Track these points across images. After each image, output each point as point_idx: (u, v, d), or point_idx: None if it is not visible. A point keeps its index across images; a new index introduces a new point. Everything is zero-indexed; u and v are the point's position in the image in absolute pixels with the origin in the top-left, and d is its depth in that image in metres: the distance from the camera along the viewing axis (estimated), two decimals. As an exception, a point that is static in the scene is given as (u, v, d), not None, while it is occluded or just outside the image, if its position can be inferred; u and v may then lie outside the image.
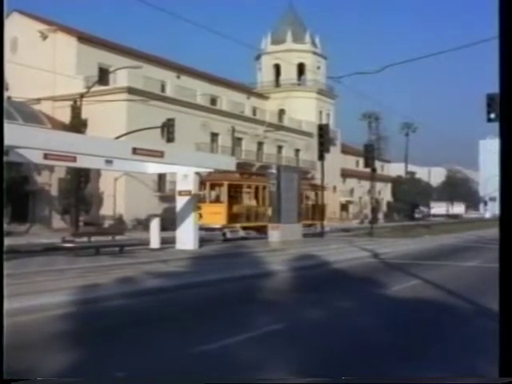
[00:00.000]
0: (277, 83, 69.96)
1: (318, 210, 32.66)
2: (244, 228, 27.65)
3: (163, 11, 79.38)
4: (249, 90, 66.97)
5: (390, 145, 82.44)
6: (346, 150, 76.22)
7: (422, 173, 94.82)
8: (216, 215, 26.03)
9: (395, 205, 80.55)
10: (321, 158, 30.12)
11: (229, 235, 26.16)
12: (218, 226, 26.09)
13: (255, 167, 53.58)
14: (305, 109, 65.48)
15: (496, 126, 18.01)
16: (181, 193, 21.17)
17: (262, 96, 67.95)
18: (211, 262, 16.18)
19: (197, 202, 21.78)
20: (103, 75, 43.19)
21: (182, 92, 48.86)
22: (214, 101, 54.43)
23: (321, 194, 32.77)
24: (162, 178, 42.16)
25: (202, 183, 25.94)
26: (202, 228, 23.39)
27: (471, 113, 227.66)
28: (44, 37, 46.61)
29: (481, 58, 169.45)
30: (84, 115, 35.33)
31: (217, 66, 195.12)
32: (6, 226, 25.02)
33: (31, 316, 8.44)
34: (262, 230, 27.25)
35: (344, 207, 75.54)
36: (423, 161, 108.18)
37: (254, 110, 60.13)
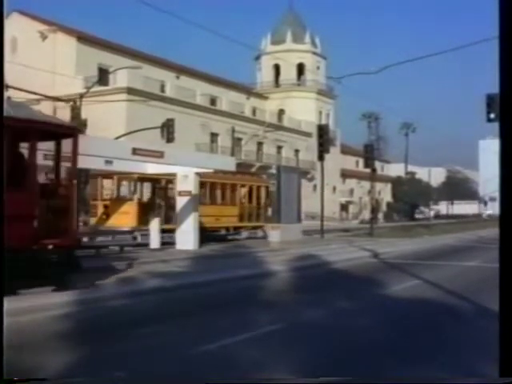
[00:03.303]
0: (276, 83, 70.01)
1: (265, 212, 28.76)
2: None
3: (163, 11, 79.37)
4: (248, 91, 67.02)
5: (390, 145, 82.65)
6: (345, 151, 76.25)
7: (422, 173, 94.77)
8: (124, 215, 22.04)
9: (395, 205, 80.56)
10: (320, 158, 30.08)
11: (140, 239, 21.81)
12: (126, 229, 21.67)
13: (255, 167, 53.62)
14: (304, 109, 65.53)
15: (496, 126, 18.01)
16: (181, 193, 21.17)
17: (261, 96, 67.99)
18: (211, 262, 16.20)
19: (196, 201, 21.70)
20: (103, 75, 43.22)
21: (182, 92, 48.91)
22: (213, 101, 54.47)
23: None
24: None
25: (111, 178, 23.88)
26: (108, 231, 21.11)
27: (471, 113, 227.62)
28: (44, 37, 46.67)
29: (481, 57, 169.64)
30: (84, 115, 35.28)
31: (216, 66, 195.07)
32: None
33: (31, 316, 8.44)
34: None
35: (344, 207, 75.60)
36: (423, 161, 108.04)
37: (254, 111, 60.19)
